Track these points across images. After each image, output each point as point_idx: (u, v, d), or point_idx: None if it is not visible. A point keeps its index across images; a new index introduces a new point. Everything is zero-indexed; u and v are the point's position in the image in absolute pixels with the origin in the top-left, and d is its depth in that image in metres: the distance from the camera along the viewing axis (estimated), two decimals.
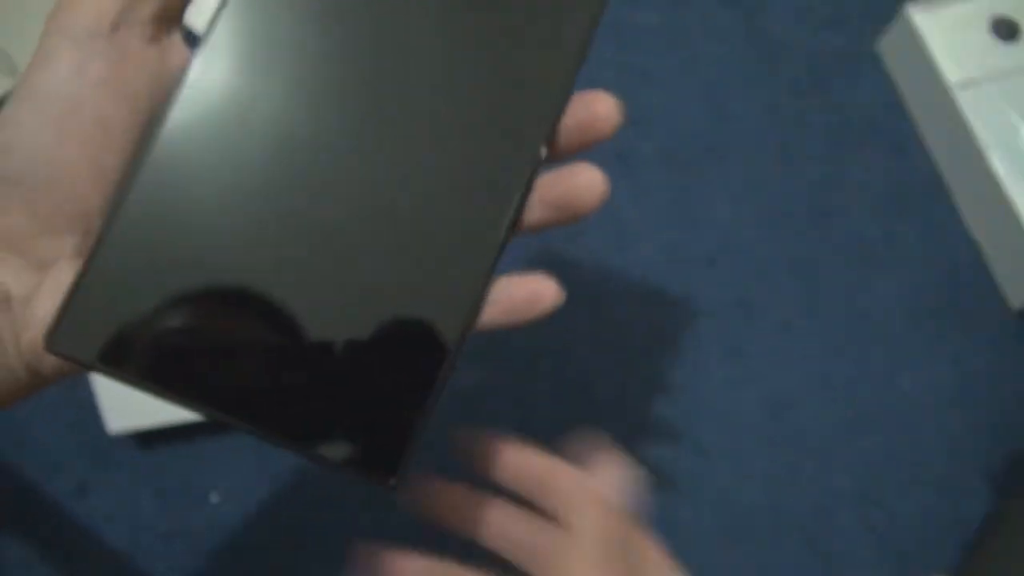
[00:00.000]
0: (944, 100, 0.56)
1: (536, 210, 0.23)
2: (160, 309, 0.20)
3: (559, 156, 0.23)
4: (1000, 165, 0.54)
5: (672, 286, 0.56)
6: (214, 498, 0.50)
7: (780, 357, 0.54)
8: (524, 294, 0.22)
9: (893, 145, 0.59)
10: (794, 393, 0.53)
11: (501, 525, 0.28)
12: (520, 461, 0.29)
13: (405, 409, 0.20)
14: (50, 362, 0.21)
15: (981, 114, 0.56)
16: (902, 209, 0.58)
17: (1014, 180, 0.54)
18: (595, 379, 0.53)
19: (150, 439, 0.51)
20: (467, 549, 0.28)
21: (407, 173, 0.21)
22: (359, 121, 0.21)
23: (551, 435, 0.33)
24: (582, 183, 0.22)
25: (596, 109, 0.22)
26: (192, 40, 0.22)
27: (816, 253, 0.57)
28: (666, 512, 0.50)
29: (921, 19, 0.58)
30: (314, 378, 0.20)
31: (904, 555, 0.50)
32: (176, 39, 0.22)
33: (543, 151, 0.22)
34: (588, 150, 0.23)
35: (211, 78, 0.21)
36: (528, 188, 0.22)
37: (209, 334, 0.20)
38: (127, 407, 0.47)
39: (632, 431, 0.52)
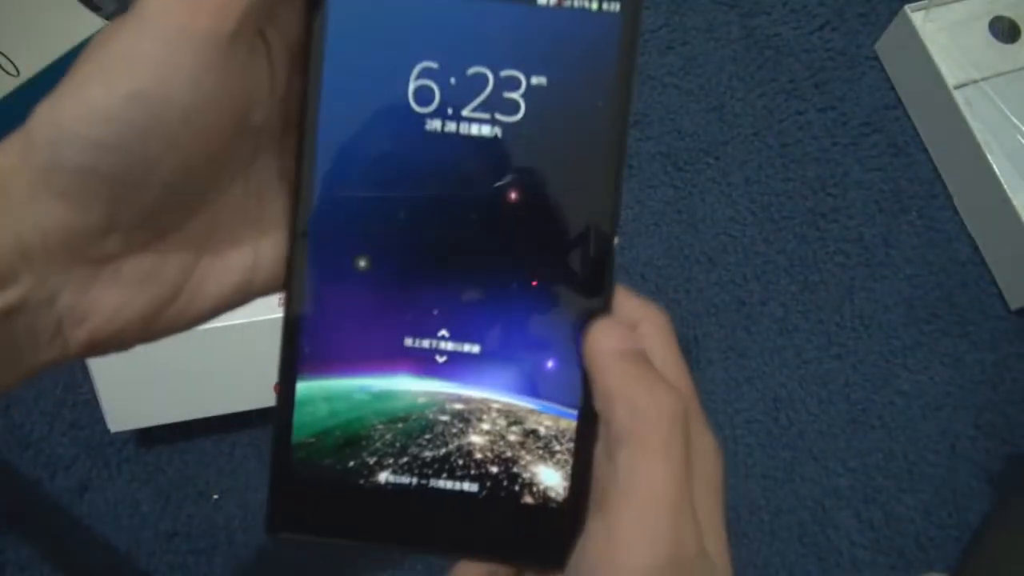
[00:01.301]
0: (943, 100, 0.57)
1: None
2: (351, 471, 0.23)
3: None
4: (999, 165, 0.54)
5: (672, 286, 0.56)
6: (214, 498, 0.50)
7: (780, 357, 0.54)
8: None
9: (893, 145, 0.60)
10: (794, 393, 0.53)
11: None
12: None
13: (558, 507, 0.23)
14: (102, 351, 0.21)
15: (980, 114, 0.56)
16: (902, 209, 0.58)
17: (1013, 180, 0.54)
18: None
19: (150, 439, 0.51)
20: None
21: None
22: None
23: None
24: None
25: None
26: None
27: (816, 253, 0.57)
28: None
29: (920, 19, 0.58)
30: (479, 496, 0.24)
31: (904, 555, 0.50)
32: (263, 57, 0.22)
33: (616, 240, 0.24)
34: None
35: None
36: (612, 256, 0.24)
37: (400, 486, 0.24)
38: (127, 407, 0.47)
39: None
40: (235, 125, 0.21)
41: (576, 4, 0.23)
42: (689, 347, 0.54)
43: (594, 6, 0.23)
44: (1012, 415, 0.53)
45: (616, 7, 0.23)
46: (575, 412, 0.23)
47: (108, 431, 0.47)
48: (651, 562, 0.19)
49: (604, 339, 0.22)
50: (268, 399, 0.47)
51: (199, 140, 0.20)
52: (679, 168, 0.58)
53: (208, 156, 0.21)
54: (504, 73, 0.23)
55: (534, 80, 0.23)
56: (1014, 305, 0.55)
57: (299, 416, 0.24)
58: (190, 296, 0.22)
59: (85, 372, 0.46)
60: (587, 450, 0.23)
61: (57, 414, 0.52)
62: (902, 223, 0.58)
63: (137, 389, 0.46)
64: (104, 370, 0.45)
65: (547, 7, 0.23)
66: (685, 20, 0.62)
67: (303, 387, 0.24)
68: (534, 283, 0.23)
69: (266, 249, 0.23)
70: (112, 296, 0.21)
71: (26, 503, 0.50)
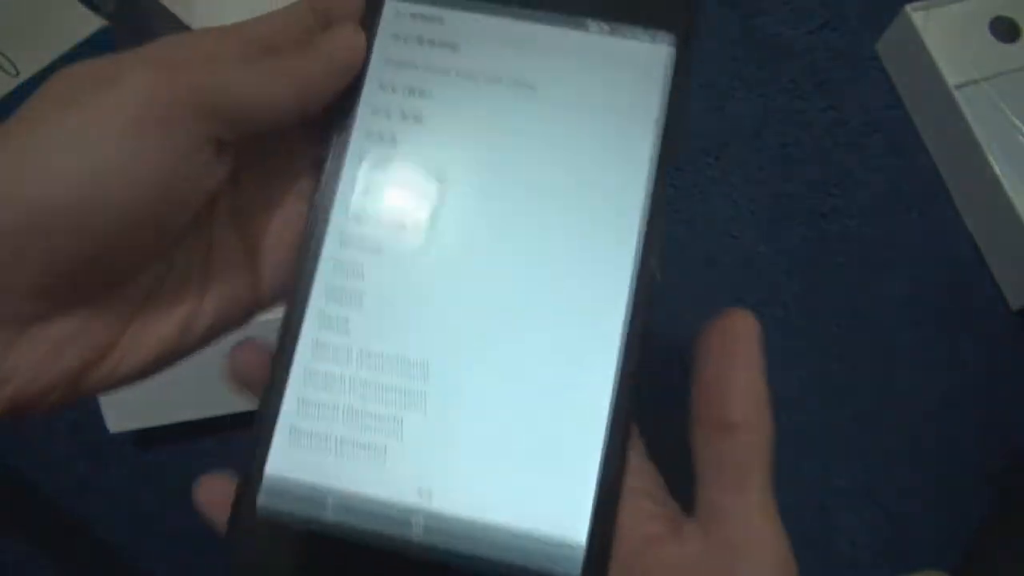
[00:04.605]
0: (944, 100, 0.57)
1: None
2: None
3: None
4: (1000, 165, 0.54)
5: (672, 286, 0.56)
6: None
7: (780, 357, 0.54)
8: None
9: (893, 145, 0.60)
10: (794, 393, 0.53)
11: None
12: None
13: None
14: (25, 413, 0.20)
15: (981, 114, 0.56)
16: (902, 209, 0.58)
17: (1014, 180, 0.54)
18: None
19: (150, 439, 0.51)
20: None
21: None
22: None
23: None
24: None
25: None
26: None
27: (816, 253, 0.57)
28: None
29: (921, 19, 0.58)
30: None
31: (904, 555, 0.50)
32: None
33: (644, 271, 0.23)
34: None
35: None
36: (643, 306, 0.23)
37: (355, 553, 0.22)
38: (127, 407, 0.47)
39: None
40: (189, 212, 0.21)
41: None
42: (689, 348, 0.54)
43: None
44: (1012, 415, 0.53)
45: None
46: None
47: (108, 431, 0.47)
48: None
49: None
50: None
51: (151, 221, 0.20)
52: (679, 168, 0.58)
53: (156, 233, 0.20)
54: None
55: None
56: (1014, 305, 0.55)
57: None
58: (119, 356, 0.22)
59: None
60: None
61: (57, 414, 0.52)
62: (902, 223, 0.58)
63: (137, 389, 0.46)
64: None
65: None
66: None
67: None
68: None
69: (207, 304, 0.22)
70: (34, 357, 0.20)
71: (26, 503, 0.50)
